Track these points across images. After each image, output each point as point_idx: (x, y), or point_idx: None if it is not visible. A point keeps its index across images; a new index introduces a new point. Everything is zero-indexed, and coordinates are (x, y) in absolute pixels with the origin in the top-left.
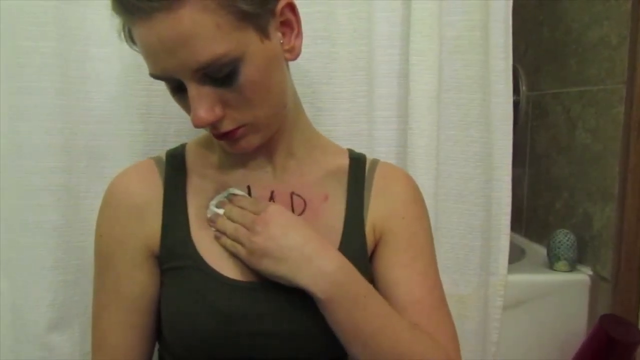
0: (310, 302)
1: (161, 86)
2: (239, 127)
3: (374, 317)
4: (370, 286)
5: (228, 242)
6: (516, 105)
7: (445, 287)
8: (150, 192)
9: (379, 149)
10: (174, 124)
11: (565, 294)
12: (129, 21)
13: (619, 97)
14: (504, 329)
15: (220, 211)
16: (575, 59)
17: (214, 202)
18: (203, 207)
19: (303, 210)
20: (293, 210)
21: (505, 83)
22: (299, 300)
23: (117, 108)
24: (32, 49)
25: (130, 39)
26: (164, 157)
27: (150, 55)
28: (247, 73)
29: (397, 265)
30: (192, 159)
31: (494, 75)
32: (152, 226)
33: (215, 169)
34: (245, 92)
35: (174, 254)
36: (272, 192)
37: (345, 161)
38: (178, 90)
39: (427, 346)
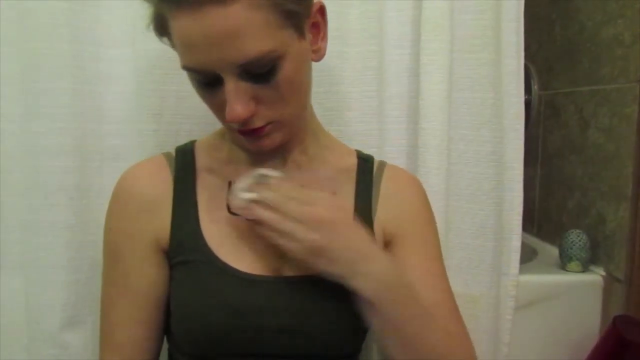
0: (322, 297)
1: (173, 87)
2: (266, 124)
3: (416, 317)
4: (413, 288)
5: (268, 233)
6: (528, 104)
7: (456, 287)
8: (160, 187)
9: (389, 148)
10: (186, 124)
11: (578, 295)
12: (169, 11)
13: (633, 96)
14: (516, 329)
15: (253, 195)
16: (588, 57)
17: (241, 185)
18: (212, 201)
19: None
20: None
21: (517, 82)
22: (311, 294)
23: (129, 108)
24: (45, 50)
25: (160, 29)
26: (173, 153)
27: (192, 47)
28: (285, 71)
29: (414, 268)
30: (201, 155)
31: (505, 74)
32: (161, 220)
33: (226, 165)
34: (280, 89)
35: (184, 247)
36: None
37: (353, 161)
38: (209, 84)
39: (459, 346)
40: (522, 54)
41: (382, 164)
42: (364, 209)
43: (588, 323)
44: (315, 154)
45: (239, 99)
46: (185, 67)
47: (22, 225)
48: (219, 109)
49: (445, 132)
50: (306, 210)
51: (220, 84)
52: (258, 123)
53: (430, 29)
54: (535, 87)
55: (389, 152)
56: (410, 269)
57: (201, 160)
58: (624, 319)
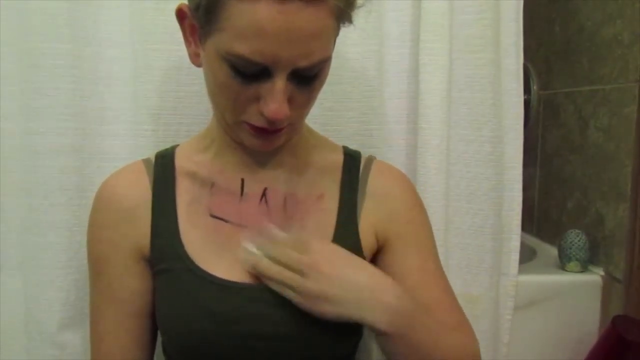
0: None
1: (172, 87)
2: (285, 125)
3: (433, 336)
4: (421, 305)
5: (273, 285)
6: (527, 104)
7: (456, 287)
8: (139, 195)
9: (388, 148)
10: (185, 125)
11: (577, 295)
12: None
13: (632, 96)
14: (515, 329)
15: (258, 252)
16: (588, 57)
17: (248, 244)
18: (193, 206)
19: (295, 211)
20: (285, 211)
21: (517, 82)
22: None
23: (128, 109)
24: (45, 50)
25: (209, 7)
26: (153, 159)
27: (261, 37)
28: (323, 77)
29: (411, 270)
30: (182, 160)
31: (505, 74)
32: (141, 229)
33: (210, 167)
34: (313, 94)
35: (164, 256)
36: (264, 190)
37: (339, 157)
38: (247, 75)
39: (468, 351)
40: (522, 53)
41: (370, 160)
42: (349, 209)
43: (587, 323)
44: (303, 155)
45: (284, 98)
46: (237, 55)
47: (21, 225)
48: (245, 101)
49: (445, 132)
50: (298, 258)
51: (263, 78)
52: (283, 124)
53: (430, 29)
54: (534, 87)
55: (388, 152)
56: (406, 271)
57: (181, 164)
58: (623, 319)
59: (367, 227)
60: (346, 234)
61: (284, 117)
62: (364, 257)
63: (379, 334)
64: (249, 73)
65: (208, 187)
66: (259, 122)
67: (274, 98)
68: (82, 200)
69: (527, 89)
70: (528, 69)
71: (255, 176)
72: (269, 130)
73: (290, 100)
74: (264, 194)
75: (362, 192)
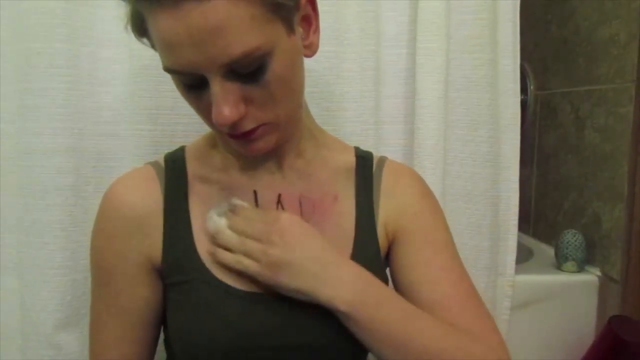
0: (326, 312)
1: (169, 87)
2: (258, 126)
3: (401, 319)
4: (390, 289)
5: (229, 257)
6: (524, 104)
7: None
8: (150, 202)
9: (386, 148)
10: (182, 125)
11: (574, 295)
12: (147, 10)
13: (629, 96)
14: (512, 329)
15: (223, 221)
16: (584, 57)
17: (215, 211)
18: (207, 213)
19: (312, 213)
20: (302, 213)
21: (514, 82)
22: (313, 310)
23: (125, 109)
24: (41, 50)
25: (139, 29)
26: (162, 163)
27: (174, 47)
28: (275, 68)
29: (417, 264)
30: (193, 163)
31: (502, 74)
32: (153, 238)
33: (219, 172)
34: (271, 89)
35: (179, 267)
36: (279, 196)
37: (351, 159)
38: (193, 87)
39: (464, 341)
40: (519, 54)
41: (382, 161)
42: (367, 210)
43: (584, 323)
44: (313, 156)
45: (226, 100)
46: (167, 69)
47: (17, 226)
48: (206, 112)
49: (442, 132)
50: (264, 228)
51: (206, 85)
52: (249, 125)
53: (427, 29)
54: (531, 87)
55: (385, 152)
56: (410, 264)
57: (193, 168)
58: (619, 319)
59: (382, 226)
60: (366, 235)
61: (226, 121)
62: (381, 258)
63: (342, 316)
64: (191, 83)
65: (223, 199)
66: (224, 129)
67: (214, 103)
68: (78, 200)
69: (524, 89)
70: (525, 69)
71: (267, 183)
72: (239, 135)
73: (249, 100)
74: (279, 201)
75: (377, 192)
